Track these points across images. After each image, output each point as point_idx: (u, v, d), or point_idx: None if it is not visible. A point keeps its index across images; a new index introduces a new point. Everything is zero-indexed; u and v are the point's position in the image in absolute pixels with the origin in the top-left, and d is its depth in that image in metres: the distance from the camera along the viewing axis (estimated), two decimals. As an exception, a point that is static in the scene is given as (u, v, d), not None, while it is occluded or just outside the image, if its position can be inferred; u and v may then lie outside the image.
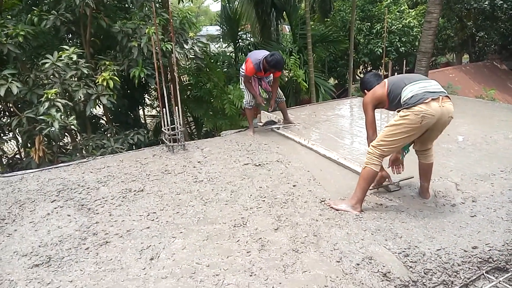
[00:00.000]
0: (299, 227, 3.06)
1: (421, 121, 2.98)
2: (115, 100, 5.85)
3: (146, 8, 6.63)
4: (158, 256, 2.76)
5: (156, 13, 5.11)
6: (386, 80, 3.37)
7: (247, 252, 2.74)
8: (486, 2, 13.42)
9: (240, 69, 5.68)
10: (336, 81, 16.46)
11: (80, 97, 5.42)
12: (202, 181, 3.97)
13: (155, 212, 3.39)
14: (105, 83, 5.46)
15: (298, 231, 2.99)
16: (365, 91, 3.53)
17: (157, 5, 7.16)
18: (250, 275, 2.50)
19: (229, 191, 3.71)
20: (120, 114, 8.78)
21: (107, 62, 5.89)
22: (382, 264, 2.57)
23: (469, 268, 2.59)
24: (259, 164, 4.37)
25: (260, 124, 6.39)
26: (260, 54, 5.31)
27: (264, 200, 3.52)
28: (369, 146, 3.41)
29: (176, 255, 2.77)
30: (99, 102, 5.62)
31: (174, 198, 3.64)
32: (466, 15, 15.29)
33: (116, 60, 6.40)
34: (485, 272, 2.59)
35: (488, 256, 2.68)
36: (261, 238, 2.91)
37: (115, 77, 5.59)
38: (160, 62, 4.82)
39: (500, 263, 2.66)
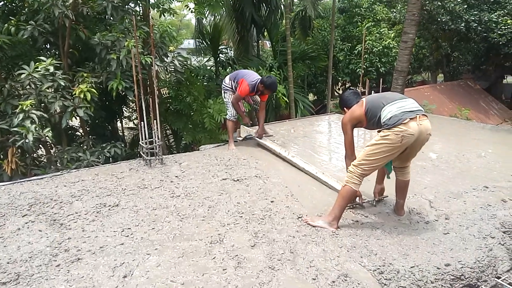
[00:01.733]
0: (276, 243, 3.05)
1: (401, 140, 3.04)
2: (92, 112, 5.77)
3: (127, 21, 6.63)
4: (132, 274, 2.69)
5: (136, 26, 5.09)
6: (363, 99, 3.41)
7: (223, 270, 2.70)
8: (462, 24, 13.95)
9: (223, 84, 5.71)
10: (315, 97, 16.71)
11: (56, 109, 5.32)
12: (179, 196, 3.92)
13: (129, 228, 3.32)
14: (82, 95, 5.38)
15: (275, 248, 2.98)
16: (345, 108, 3.58)
17: (138, 18, 7.16)
18: (226, 293, 2.47)
19: (207, 207, 3.68)
20: (97, 126, 8.67)
21: (85, 74, 5.83)
22: (357, 281, 2.58)
23: (441, 285, 2.64)
24: (238, 179, 4.36)
25: (240, 138, 6.41)
26: (253, 75, 5.44)
27: (241, 216, 3.50)
28: (347, 164, 3.48)
29: (150, 272, 2.71)
30: (76, 114, 5.53)
31: (150, 213, 3.58)
32: (442, 35, 15.83)
33: (94, 72, 6.34)
34: (457, 289, 2.64)
35: (460, 274, 2.73)
36: (237, 255, 2.88)
37: (92, 89, 5.53)
38: (139, 75, 4.79)
39: (471, 280, 2.71)
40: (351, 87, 16.98)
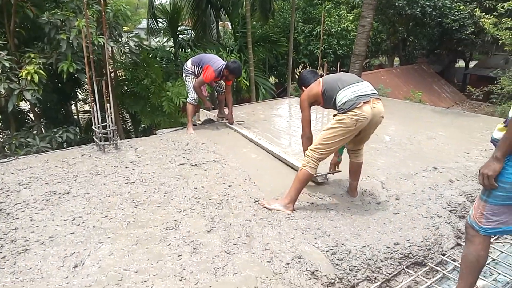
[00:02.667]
0: (232, 228, 3.06)
1: (355, 124, 3.11)
2: (42, 95, 5.49)
3: (78, -1, 6.29)
4: (83, 264, 2.62)
5: (87, 4, 4.84)
6: (321, 79, 3.47)
7: (178, 256, 2.69)
8: (418, 9, 14.36)
9: (185, 68, 5.59)
10: (277, 80, 16.74)
11: (1, 91, 5.01)
12: (134, 182, 3.83)
13: (81, 216, 3.21)
14: (29, 77, 5.09)
15: (231, 232, 2.99)
16: (303, 87, 3.63)
17: (90, -5, 6.80)
18: (180, 280, 2.45)
19: (163, 193, 3.62)
20: (49, 109, 8.27)
21: (32, 55, 5.50)
22: (310, 262, 2.64)
23: (391, 263, 2.75)
24: (195, 164, 4.31)
25: (199, 122, 6.33)
26: (218, 61, 5.39)
27: (198, 201, 3.47)
28: (303, 142, 3.58)
29: (103, 261, 2.64)
30: (23, 97, 5.24)
31: (102, 200, 3.47)
32: (398, 20, 16.25)
33: (43, 52, 6.01)
34: (405, 267, 2.77)
35: (408, 252, 2.85)
36: (193, 240, 2.87)
37: (40, 71, 5.23)
38: (91, 56, 4.58)
39: (419, 258, 2.85)
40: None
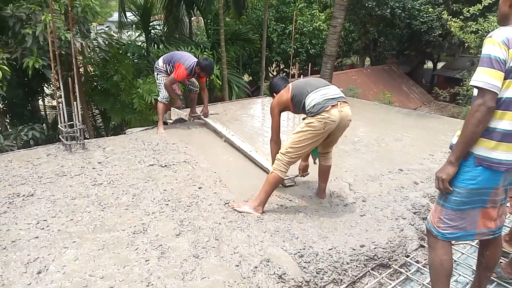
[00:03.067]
0: (202, 231, 3.05)
1: (324, 127, 3.16)
2: (6, 91, 5.29)
3: (44, -9, 6.07)
4: (47, 269, 2.55)
5: (53, -2, 4.69)
6: (290, 84, 3.52)
7: (146, 261, 2.66)
8: (388, 10, 14.68)
9: (156, 66, 5.52)
10: (251, 78, 16.74)
11: (-39, 87, 4.80)
12: (102, 184, 3.76)
13: (45, 220, 3.13)
14: (-9, 73, 4.89)
15: (200, 236, 2.99)
16: (274, 94, 3.66)
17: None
18: (147, 285, 2.43)
19: (131, 195, 3.57)
20: (15, 105, 7.95)
21: (-5, 49, 5.28)
22: (278, 265, 2.67)
23: (356, 266, 2.82)
24: (165, 165, 4.27)
25: (170, 121, 6.27)
26: (189, 58, 5.33)
27: (167, 204, 3.45)
28: (271, 147, 3.63)
29: (67, 267, 2.59)
30: (-16, 93, 5.04)
31: (68, 203, 3.39)
32: (369, 20, 16.55)
33: (7, 47, 5.77)
34: (370, 269, 2.84)
35: (373, 254, 2.93)
36: (161, 245, 2.85)
37: (4, 67, 5.03)
38: (57, 52, 4.44)
39: (383, 260, 2.93)
40: (284, 69, 17.24)
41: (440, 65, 22.60)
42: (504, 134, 1.90)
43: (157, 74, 5.53)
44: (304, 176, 3.97)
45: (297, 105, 3.39)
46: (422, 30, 15.16)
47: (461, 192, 2.00)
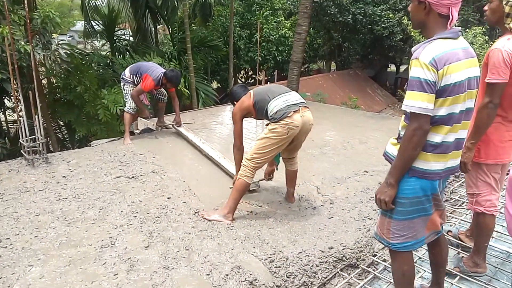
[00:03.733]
0: (171, 242, 3.03)
1: (287, 132, 3.22)
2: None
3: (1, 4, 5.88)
4: (10, 290, 2.47)
5: (11, 9, 4.55)
6: (251, 91, 3.57)
7: (114, 275, 2.61)
8: (350, 17, 15.09)
9: (123, 76, 5.45)
10: (219, 85, 16.74)
11: None
12: (67, 198, 3.66)
13: (8, 238, 3.02)
14: None
15: (170, 247, 2.96)
16: (234, 102, 3.68)
17: (14, -1, 6.39)
18: (116, 300, 2.40)
19: (97, 208, 3.50)
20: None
21: (-51, 63, 5.06)
22: (249, 272, 2.69)
23: (326, 267, 2.87)
24: (133, 177, 4.21)
25: (137, 131, 6.18)
26: (156, 69, 5.30)
27: (136, 216, 3.40)
28: (234, 153, 3.63)
29: (33, 285, 2.50)
30: None
31: (32, 220, 3.28)
32: (333, 27, 16.95)
33: (-38, 60, 5.54)
34: (339, 270, 2.90)
35: (342, 255, 2.99)
36: (130, 258, 2.80)
37: (-41, 81, 4.83)
38: (16, 65, 4.30)
39: (352, 261, 2.99)
40: (252, 75, 17.36)
41: (402, 68, 23.37)
42: (436, 146, 1.92)
43: (124, 85, 5.46)
44: (269, 180, 4.01)
45: (259, 112, 3.44)
46: (384, 35, 15.64)
47: (405, 202, 1.99)
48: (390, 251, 2.22)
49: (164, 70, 5.33)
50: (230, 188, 3.63)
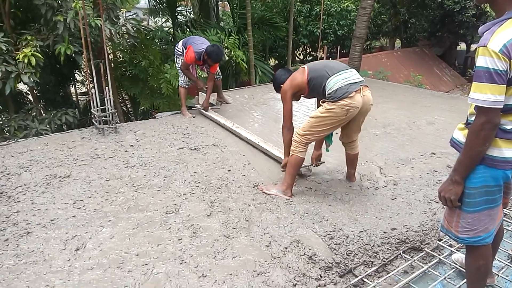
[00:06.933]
0: (232, 212, 3.09)
1: (346, 113, 3.09)
2: (39, 77, 5.44)
3: (74, -21, 6.17)
4: (84, 247, 2.66)
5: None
6: (305, 66, 3.34)
7: (178, 240, 2.73)
8: (419, -10, 14.14)
9: (176, 49, 5.53)
10: (277, 62, 16.58)
11: (-2, 74, 4.98)
12: (134, 166, 3.86)
13: (82, 200, 3.25)
14: (26, 60, 5.04)
15: (230, 217, 3.03)
16: (281, 86, 3.43)
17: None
18: (180, 263, 2.50)
19: (162, 177, 3.65)
20: (48, 91, 8.20)
21: (29, 37, 5.42)
22: (308, 247, 2.68)
23: (387, 248, 2.79)
24: (195, 148, 4.33)
25: (198, 105, 6.31)
26: (201, 44, 5.22)
27: (198, 186, 3.50)
28: (283, 134, 3.50)
29: (104, 244, 2.69)
30: (20, 80, 5.20)
31: (103, 184, 3.50)
32: (400, 1, 16.01)
33: (40, 34, 5.92)
34: (402, 252, 2.80)
35: (405, 237, 2.89)
36: (193, 224, 2.91)
37: (37, 54, 5.18)
38: (88, 39, 4.53)
39: (415, 243, 2.88)
40: (311, 52, 16.98)
41: (474, 46, 21.72)
42: (508, 132, 1.74)
43: (176, 57, 5.54)
44: (317, 166, 3.84)
45: (314, 89, 3.24)
46: (455, 10, 14.52)
47: (471, 192, 1.83)
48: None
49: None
50: (282, 170, 3.59)
